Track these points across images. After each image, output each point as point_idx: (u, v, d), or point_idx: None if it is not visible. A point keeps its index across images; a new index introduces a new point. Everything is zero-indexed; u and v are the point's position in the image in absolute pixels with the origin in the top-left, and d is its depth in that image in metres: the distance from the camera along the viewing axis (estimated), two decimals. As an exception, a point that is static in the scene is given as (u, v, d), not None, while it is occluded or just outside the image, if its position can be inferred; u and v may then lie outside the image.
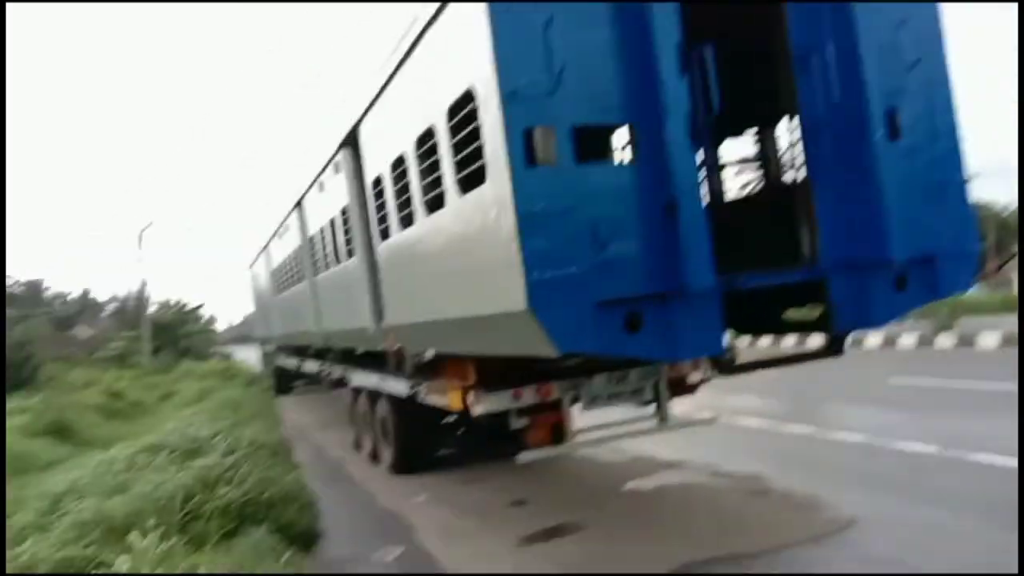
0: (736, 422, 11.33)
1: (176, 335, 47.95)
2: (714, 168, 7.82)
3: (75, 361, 37.78)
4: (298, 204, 13.59)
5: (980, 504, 6.42)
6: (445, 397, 7.53)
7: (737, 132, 7.80)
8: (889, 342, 20.10)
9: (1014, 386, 11.16)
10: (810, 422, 10.63)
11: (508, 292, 4.87)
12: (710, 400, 13.02)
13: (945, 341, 18.80)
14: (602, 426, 7.43)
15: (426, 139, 6.19)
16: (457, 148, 5.60)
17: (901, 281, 5.71)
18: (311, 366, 17.44)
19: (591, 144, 5.50)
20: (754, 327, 7.76)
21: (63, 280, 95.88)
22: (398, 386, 9.11)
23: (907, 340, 19.67)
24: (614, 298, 4.91)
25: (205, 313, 56.88)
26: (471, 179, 5.41)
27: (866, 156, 5.51)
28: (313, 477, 10.86)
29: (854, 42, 5.53)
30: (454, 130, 5.60)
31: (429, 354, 7.74)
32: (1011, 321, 19.33)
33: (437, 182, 6.07)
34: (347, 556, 6.99)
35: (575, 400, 6.94)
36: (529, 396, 6.73)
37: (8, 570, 5.57)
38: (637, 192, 5.04)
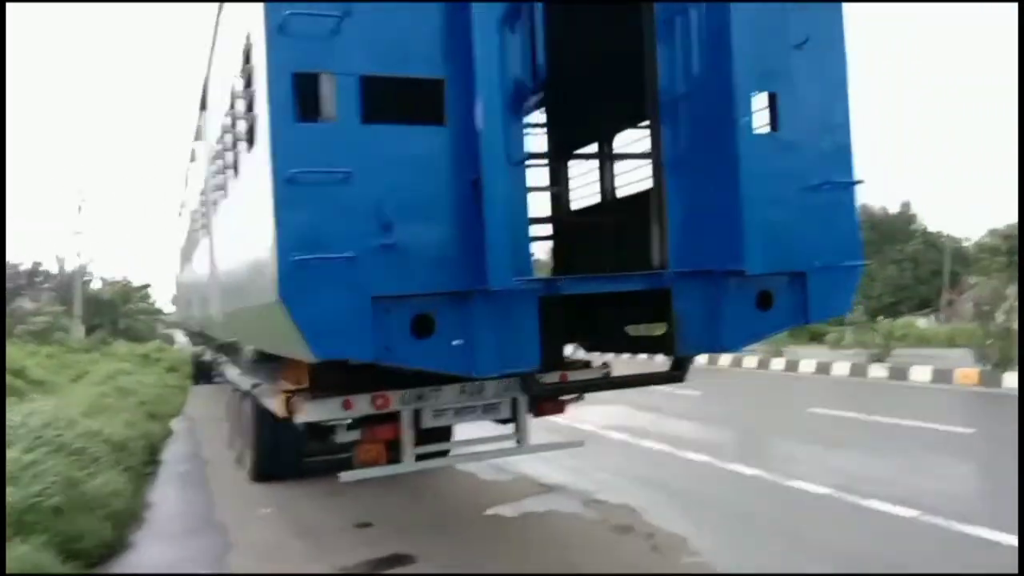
0: (641, 443, 10.62)
1: (115, 314, 46.28)
2: (561, 156, 7.01)
3: (-7, 334, 36.02)
4: (192, 155, 12.36)
5: (864, 558, 5.69)
6: (273, 401, 6.63)
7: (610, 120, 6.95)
8: (822, 369, 19.56)
9: (936, 424, 10.56)
10: (711, 451, 9.89)
11: (266, 278, 4.03)
12: (618, 417, 12.49)
13: (878, 372, 18.28)
14: (454, 444, 6.61)
15: (234, 99, 5.32)
16: (248, 105, 4.74)
17: (765, 298, 4.95)
18: (214, 355, 16.40)
19: (396, 102, 4.69)
20: (604, 344, 6.94)
21: (15, 251, 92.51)
22: (245, 384, 8.19)
23: (840, 368, 19.13)
24: (397, 294, 4.09)
25: (154, 293, 54.80)
26: (252, 140, 4.55)
27: (728, 147, 4.72)
28: (168, 479, 9.95)
29: (726, 8, 4.74)
30: (244, 83, 4.76)
31: (248, 349, 6.85)
32: (951, 356, 18.92)
33: (236, 145, 5.21)
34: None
35: (417, 414, 6.09)
36: (362, 406, 5.83)
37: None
38: (439, 164, 4.27)
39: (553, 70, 4.63)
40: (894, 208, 49.20)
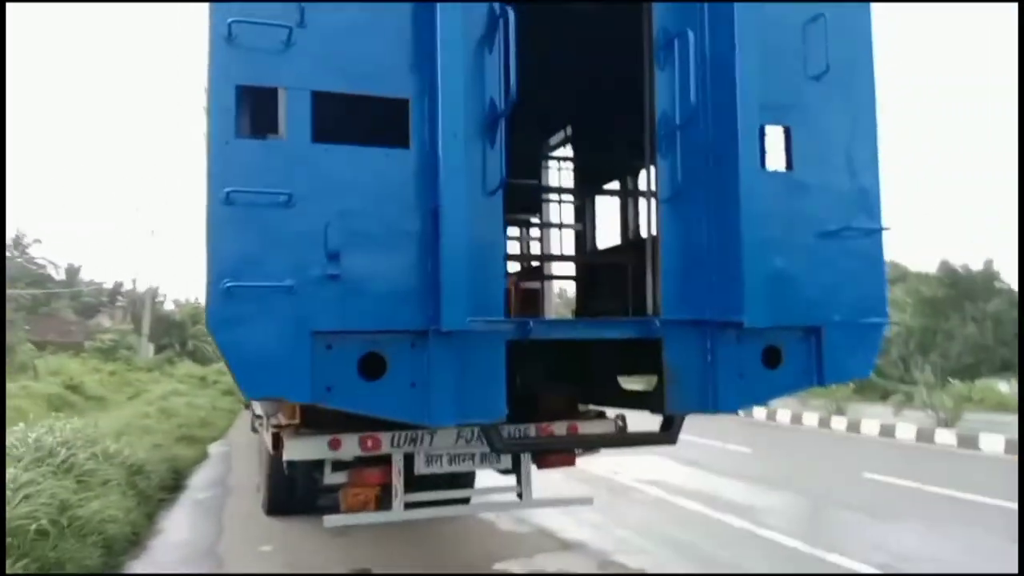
0: (676, 501, 9.99)
1: (184, 335, 47.41)
2: (586, 192, 6.61)
3: (63, 346, 37.32)
4: None
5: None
6: (267, 435, 6.36)
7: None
8: (886, 431, 18.40)
9: (1001, 501, 9.73)
10: (749, 515, 9.20)
11: (208, 304, 3.77)
12: (657, 470, 11.83)
13: (946, 438, 17.07)
14: (450, 493, 6.21)
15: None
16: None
17: (772, 355, 4.46)
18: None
19: (357, 121, 4.50)
20: (596, 395, 6.44)
21: (98, 269, 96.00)
22: (258, 412, 7.96)
23: (905, 432, 17.96)
24: (342, 330, 3.77)
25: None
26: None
27: (729, 184, 4.30)
28: (185, 506, 9.81)
29: (730, 31, 4.37)
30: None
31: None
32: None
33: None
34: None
35: (409, 458, 5.72)
36: (350, 447, 5.50)
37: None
38: (400, 190, 3.98)
39: (577, 100, 4.36)
40: (977, 265, 47.05)
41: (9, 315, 29.48)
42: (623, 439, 5.49)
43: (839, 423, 19.90)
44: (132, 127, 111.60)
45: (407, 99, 4.06)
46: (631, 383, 6.27)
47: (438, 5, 4.04)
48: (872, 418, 19.57)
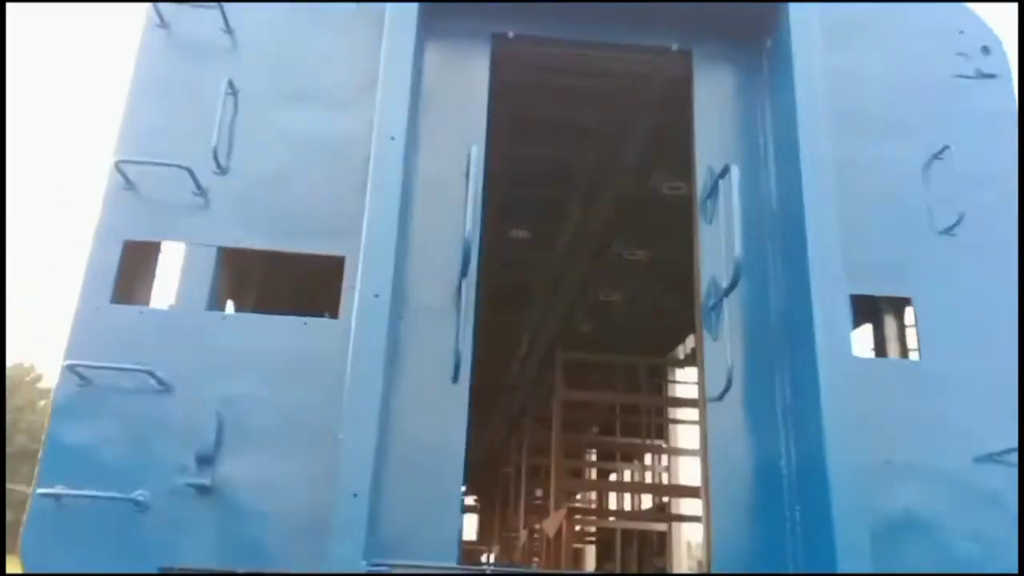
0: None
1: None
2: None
3: None
4: None
5: None
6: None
7: None
8: None
9: None
10: None
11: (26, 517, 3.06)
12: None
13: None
14: None
15: None
16: None
17: None
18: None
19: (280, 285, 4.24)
20: None
21: None
22: None
23: None
24: (206, 571, 3.10)
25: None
26: None
27: (805, 381, 3.32)
28: None
29: (796, 170, 3.72)
30: None
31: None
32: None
33: None
34: None
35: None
36: None
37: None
38: (320, 373, 3.42)
39: None
40: None
41: None
42: None
43: None
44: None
45: (343, 256, 3.56)
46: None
47: None
48: None
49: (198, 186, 3.68)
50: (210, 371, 3.40)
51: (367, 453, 3.17)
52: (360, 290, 3.41)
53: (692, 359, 9.44)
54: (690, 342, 9.73)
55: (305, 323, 3.60)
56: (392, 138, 3.62)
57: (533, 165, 6.89)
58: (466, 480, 3.77)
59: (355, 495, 3.07)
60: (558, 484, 9.32)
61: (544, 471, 10.78)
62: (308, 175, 3.83)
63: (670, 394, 10.79)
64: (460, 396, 3.59)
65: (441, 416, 3.56)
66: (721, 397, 3.73)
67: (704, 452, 3.77)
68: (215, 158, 3.67)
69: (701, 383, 3.92)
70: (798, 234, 3.71)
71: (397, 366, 3.57)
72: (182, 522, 3.19)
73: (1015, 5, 3.50)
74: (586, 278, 9.16)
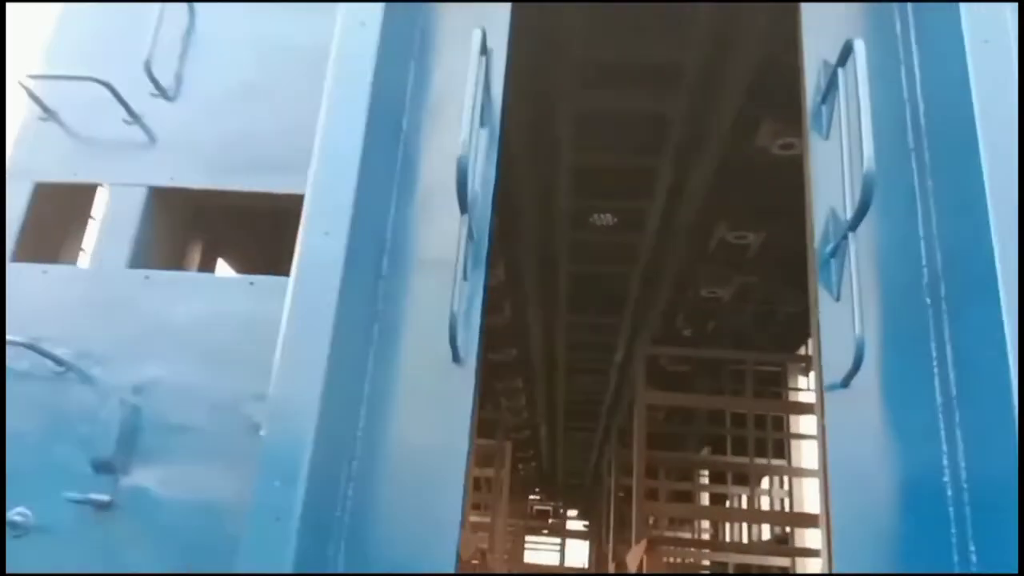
0: None
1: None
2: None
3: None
4: None
5: None
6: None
7: None
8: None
9: None
10: None
11: None
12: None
13: None
14: None
15: None
16: None
17: None
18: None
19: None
20: None
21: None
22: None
23: None
24: None
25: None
26: None
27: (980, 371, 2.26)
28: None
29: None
30: None
31: None
32: None
33: None
34: None
35: None
36: None
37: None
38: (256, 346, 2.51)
39: None
40: None
41: None
42: None
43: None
44: None
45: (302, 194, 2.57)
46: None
47: None
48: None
49: (130, 112, 2.83)
50: (123, 348, 2.59)
51: (299, 451, 2.17)
52: (305, 226, 2.43)
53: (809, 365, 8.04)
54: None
55: (252, 283, 2.67)
56: (363, 24, 2.64)
57: (606, 124, 5.78)
58: (466, 492, 2.79)
59: (277, 519, 2.08)
60: (640, 509, 8.01)
61: (645, 492, 9.46)
62: (271, 96, 2.95)
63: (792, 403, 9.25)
64: (463, 381, 2.58)
65: (436, 406, 2.58)
66: (846, 383, 2.51)
67: (823, 460, 2.56)
68: (149, 74, 2.81)
69: (817, 365, 2.72)
70: (964, 141, 2.48)
71: (376, 340, 2.61)
72: (72, 550, 2.39)
73: (1015, 5, 2.46)
74: (683, 271, 7.93)
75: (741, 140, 5.79)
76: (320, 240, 2.37)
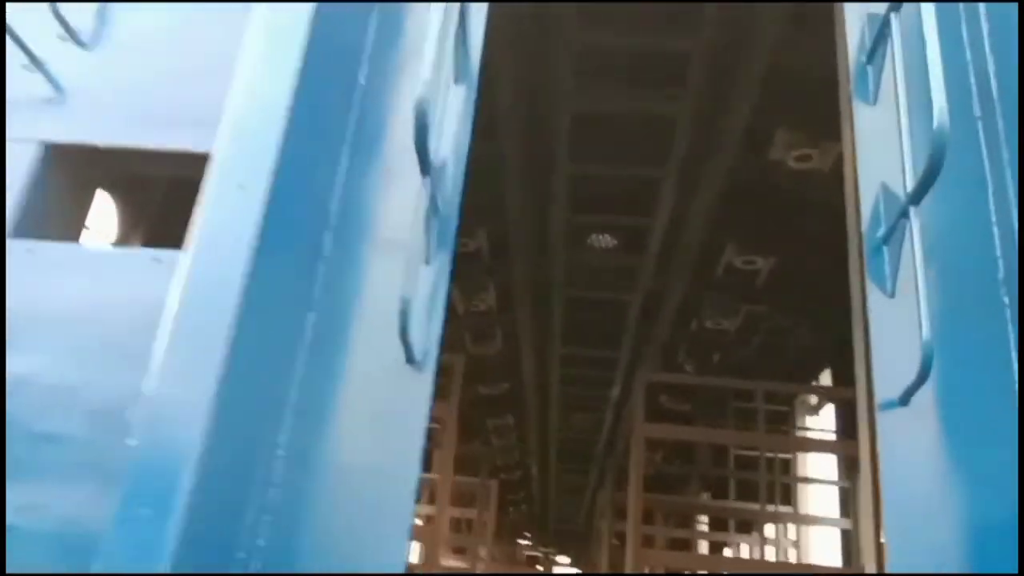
0: None
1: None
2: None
3: None
4: None
5: None
6: None
7: None
8: None
9: None
10: None
11: None
12: None
13: None
14: None
15: None
16: None
17: None
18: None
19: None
20: None
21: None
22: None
23: None
24: None
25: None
26: None
27: None
28: None
29: None
30: None
31: None
32: None
33: None
34: None
35: None
36: None
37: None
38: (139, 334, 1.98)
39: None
40: None
41: None
42: None
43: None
44: None
45: (207, 153, 2.04)
46: None
47: None
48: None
49: (30, 56, 2.31)
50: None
51: (178, 470, 1.61)
52: (212, 178, 1.89)
53: (827, 398, 7.44)
54: (824, 378, 7.67)
55: (158, 260, 2.11)
56: None
57: (605, 130, 5.30)
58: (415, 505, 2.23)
59: (138, 560, 1.51)
60: (635, 557, 7.33)
61: (641, 539, 8.75)
62: (202, 43, 2.41)
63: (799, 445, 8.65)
64: (417, 388, 2.02)
65: (383, 419, 2.02)
66: (906, 400, 1.95)
67: (875, 497, 1.98)
68: (55, 12, 2.30)
69: (864, 380, 2.16)
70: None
71: (309, 334, 2.05)
72: None
73: (1015, 5, 1.97)
74: (686, 299, 7.41)
75: (753, 152, 5.32)
76: (232, 194, 1.83)
